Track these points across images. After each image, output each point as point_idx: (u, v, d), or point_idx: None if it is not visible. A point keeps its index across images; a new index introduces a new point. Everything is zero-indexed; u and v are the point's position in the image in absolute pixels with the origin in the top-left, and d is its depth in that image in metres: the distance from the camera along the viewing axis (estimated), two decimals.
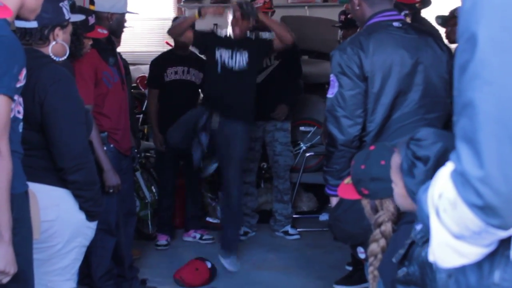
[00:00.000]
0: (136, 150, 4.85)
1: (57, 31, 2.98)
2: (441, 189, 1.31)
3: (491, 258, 1.34)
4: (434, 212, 1.33)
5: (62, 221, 2.92)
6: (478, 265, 1.36)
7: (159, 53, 6.20)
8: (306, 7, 8.24)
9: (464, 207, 1.23)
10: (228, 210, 5.41)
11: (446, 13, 5.30)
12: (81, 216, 3.00)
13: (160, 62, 5.94)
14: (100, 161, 3.99)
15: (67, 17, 3.04)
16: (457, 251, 1.32)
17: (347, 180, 2.65)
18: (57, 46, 2.99)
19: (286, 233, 6.17)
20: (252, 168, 6.17)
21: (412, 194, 2.13)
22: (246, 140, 5.43)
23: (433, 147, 2.12)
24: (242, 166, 5.48)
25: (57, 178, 2.93)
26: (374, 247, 2.45)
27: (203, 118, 5.29)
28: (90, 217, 3.02)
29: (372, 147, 2.58)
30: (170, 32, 5.48)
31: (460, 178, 1.23)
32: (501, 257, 1.34)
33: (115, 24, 4.51)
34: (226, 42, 5.42)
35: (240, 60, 5.38)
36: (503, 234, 1.25)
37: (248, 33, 5.42)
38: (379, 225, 2.44)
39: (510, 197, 1.20)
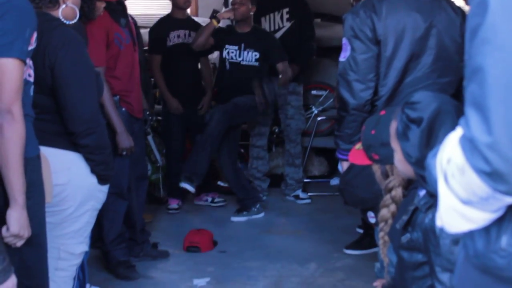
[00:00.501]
0: (148, 113, 4.85)
1: None
2: (450, 154, 1.30)
3: (498, 223, 1.34)
4: (442, 177, 1.33)
5: (73, 184, 2.94)
6: (486, 230, 1.36)
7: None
8: None
9: (472, 173, 1.23)
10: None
11: None
12: (93, 179, 3.00)
13: (161, 27, 5.86)
14: (113, 123, 4.00)
15: None
16: (464, 216, 1.32)
17: (358, 145, 2.65)
18: (67, 9, 2.97)
19: (297, 197, 6.19)
20: (264, 132, 6.18)
21: (408, 157, 2.13)
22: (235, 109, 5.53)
23: (427, 108, 2.11)
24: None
25: (68, 142, 2.93)
26: (384, 212, 2.46)
27: None
28: (101, 180, 3.03)
29: (382, 112, 2.57)
30: (195, 46, 5.59)
31: (469, 144, 1.23)
32: (508, 223, 1.34)
33: None
34: (233, 38, 5.63)
35: (249, 57, 5.64)
36: (510, 200, 1.25)
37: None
38: (390, 190, 2.44)
39: None
